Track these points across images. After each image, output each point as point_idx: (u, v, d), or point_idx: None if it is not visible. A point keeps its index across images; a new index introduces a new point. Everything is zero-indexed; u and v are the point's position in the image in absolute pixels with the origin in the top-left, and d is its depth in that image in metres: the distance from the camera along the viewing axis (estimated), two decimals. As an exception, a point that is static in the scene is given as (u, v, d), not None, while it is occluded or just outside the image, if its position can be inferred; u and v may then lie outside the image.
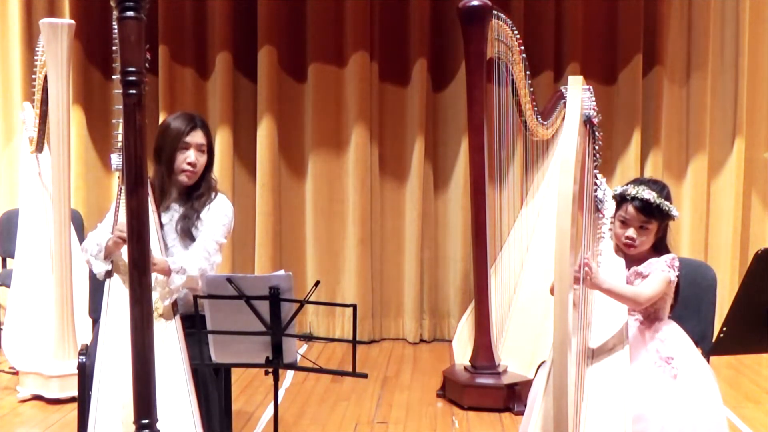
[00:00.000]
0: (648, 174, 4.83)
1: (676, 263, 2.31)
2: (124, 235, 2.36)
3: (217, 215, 2.69)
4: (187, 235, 2.63)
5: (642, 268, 2.34)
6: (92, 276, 2.71)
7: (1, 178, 4.86)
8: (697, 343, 2.40)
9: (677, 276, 2.30)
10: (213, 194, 2.73)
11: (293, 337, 2.23)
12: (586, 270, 2.13)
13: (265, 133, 4.91)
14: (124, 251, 2.32)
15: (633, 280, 2.33)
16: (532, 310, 3.83)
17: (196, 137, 2.66)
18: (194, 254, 2.59)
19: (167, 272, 2.47)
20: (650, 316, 2.34)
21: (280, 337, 2.19)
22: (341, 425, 3.44)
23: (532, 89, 3.88)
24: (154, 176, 2.69)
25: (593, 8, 4.95)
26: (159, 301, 2.45)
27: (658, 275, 2.29)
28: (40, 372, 3.60)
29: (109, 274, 2.53)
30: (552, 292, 1.95)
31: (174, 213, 2.68)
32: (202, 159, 2.68)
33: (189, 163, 2.64)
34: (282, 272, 2.18)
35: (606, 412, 2.06)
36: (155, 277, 2.46)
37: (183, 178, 2.66)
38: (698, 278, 2.54)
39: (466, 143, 4.16)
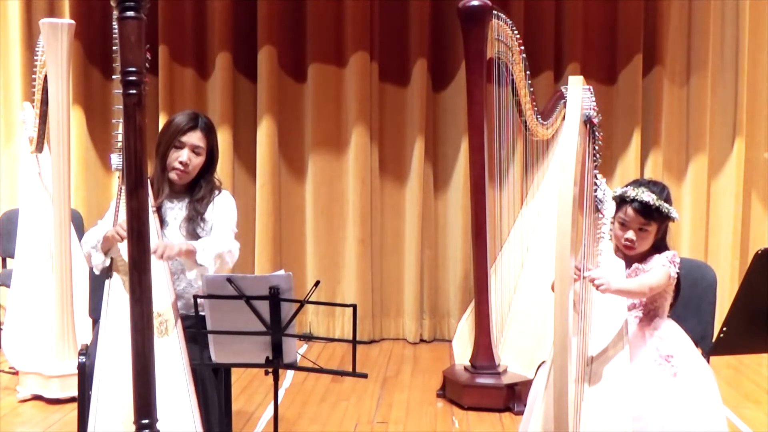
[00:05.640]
0: (648, 174, 4.83)
1: (677, 259, 2.32)
2: (123, 233, 2.38)
3: (224, 208, 2.71)
4: (193, 237, 2.63)
5: (644, 265, 2.34)
6: (92, 276, 2.71)
7: (1, 178, 4.86)
8: (697, 343, 2.41)
9: (678, 273, 2.30)
10: (216, 192, 2.74)
11: (293, 337, 2.23)
12: (596, 284, 2.14)
13: (265, 133, 4.91)
14: (124, 250, 2.32)
15: (635, 277, 2.34)
16: (532, 310, 3.82)
17: (193, 138, 2.64)
18: (213, 239, 2.60)
19: (192, 252, 2.48)
20: (650, 313, 2.34)
21: (280, 337, 2.19)
22: (341, 425, 3.44)
23: (532, 89, 3.88)
24: (152, 170, 2.69)
25: (593, 8, 4.94)
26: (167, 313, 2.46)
27: (660, 269, 2.30)
28: (40, 372, 3.60)
29: (107, 272, 2.53)
30: (553, 288, 1.95)
31: (178, 212, 2.68)
32: (197, 160, 2.66)
33: (180, 162, 2.63)
34: (282, 272, 2.18)
35: (606, 412, 2.06)
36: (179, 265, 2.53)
37: (173, 175, 2.66)
38: (698, 278, 2.54)
39: (466, 143, 4.15)
